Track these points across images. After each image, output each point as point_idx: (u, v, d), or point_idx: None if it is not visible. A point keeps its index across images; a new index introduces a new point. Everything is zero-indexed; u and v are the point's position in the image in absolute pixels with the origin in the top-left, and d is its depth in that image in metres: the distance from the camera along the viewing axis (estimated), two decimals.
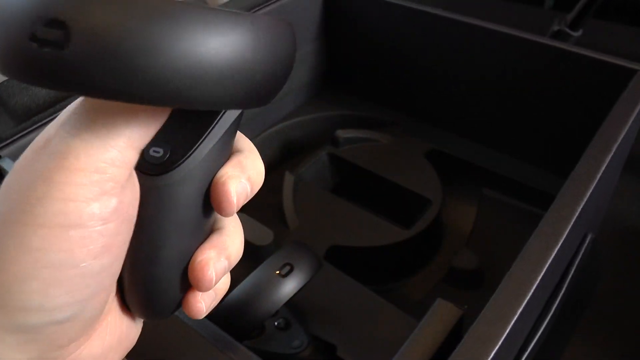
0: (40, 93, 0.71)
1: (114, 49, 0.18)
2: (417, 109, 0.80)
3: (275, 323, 0.52)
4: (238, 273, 0.58)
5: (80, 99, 0.22)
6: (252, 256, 0.59)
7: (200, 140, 0.23)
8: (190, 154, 0.23)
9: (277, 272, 0.48)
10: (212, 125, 0.23)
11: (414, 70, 0.77)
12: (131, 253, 0.24)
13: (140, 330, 0.28)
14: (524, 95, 0.67)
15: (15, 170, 0.22)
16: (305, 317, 0.55)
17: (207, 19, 0.19)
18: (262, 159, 0.27)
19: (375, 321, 0.54)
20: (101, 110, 0.21)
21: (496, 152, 0.73)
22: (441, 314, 0.43)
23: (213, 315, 0.45)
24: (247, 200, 0.25)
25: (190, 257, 0.25)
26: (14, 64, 0.18)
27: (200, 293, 0.26)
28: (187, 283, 0.26)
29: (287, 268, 0.48)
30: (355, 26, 0.79)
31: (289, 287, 0.47)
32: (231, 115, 0.24)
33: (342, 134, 0.74)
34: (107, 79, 0.18)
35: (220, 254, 0.25)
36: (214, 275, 0.25)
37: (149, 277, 0.25)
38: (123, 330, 0.26)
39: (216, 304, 0.28)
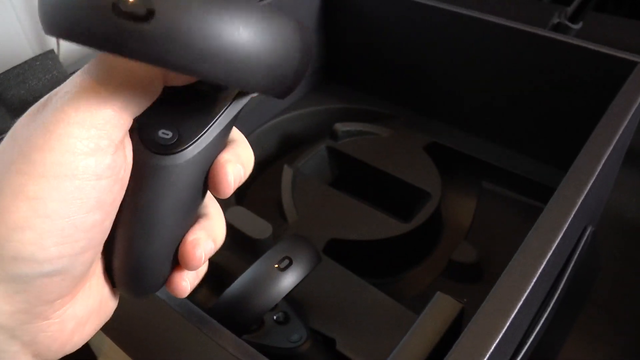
0: (37, 86, 0.71)
1: (188, 30, 0.20)
2: (417, 102, 0.80)
3: (274, 317, 0.52)
4: (237, 266, 0.59)
5: (82, 68, 0.24)
6: (251, 250, 0.59)
7: (208, 126, 0.25)
8: (198, 139, 0.25)
9: (276, 265, 0.48)
10: (220, 114, 0.25)
11: (413, 63, 0.77)
12: (126, 230, 0.25)
13: (117, 303, 0.29)
14: (524, 88, 0.67)
15: (19, 123, 0.23)
16: (304, 311, 0.55)
17: (262, 17, 0.22)
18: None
19: (375, 315, 0.54)
20: (103, 76, 0.23)
21: (496, 145, 0.73)
22: (441, 307, 0.43)
23: (212, 310, 0.46)
24: (240, 185, 0.28)
25: (181, 238, 0.27)
26: (97, 32, 0.20)
27: (185, 272, 0.28)
28: (174, 263, 0.27)
29: (286, 261, 0.48)
30: (355, 19, 0.79)
31: (288, 280, 0.47)
32: (237, 105, 0.26)
33: (341, 127, 0.74)
34: (179, 54, 0.20)
35: (209, 236, 0.27)
36: (203, 255, 0.27)
37: (141, 252, 0.26)
38: (103, 296, 0.27)
39: (197, 284, 0.29)
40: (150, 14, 0.19)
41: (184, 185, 0.25)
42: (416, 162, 0.70)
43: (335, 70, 0.87)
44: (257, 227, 0.59)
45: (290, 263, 0.48)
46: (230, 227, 0.59)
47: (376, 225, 0.63)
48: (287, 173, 0.69)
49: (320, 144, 0.74)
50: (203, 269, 0.30)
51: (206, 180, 0.26)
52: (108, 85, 0.23)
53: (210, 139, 0.25)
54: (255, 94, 0.26)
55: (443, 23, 0.69)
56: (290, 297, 0.53)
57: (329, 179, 0.75)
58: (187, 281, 0.28)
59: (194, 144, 0.25)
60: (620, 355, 0.58)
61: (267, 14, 0.22)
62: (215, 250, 0.28)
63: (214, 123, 0.25)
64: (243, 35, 0.21)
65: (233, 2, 0.21)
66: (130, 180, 0.25)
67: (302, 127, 0.80)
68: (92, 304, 0.26)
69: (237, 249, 0.61)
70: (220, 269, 0.61)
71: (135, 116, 0.24)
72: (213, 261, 0.60)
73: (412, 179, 0.68)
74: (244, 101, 0.26)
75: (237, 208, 0.61)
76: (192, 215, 0.27)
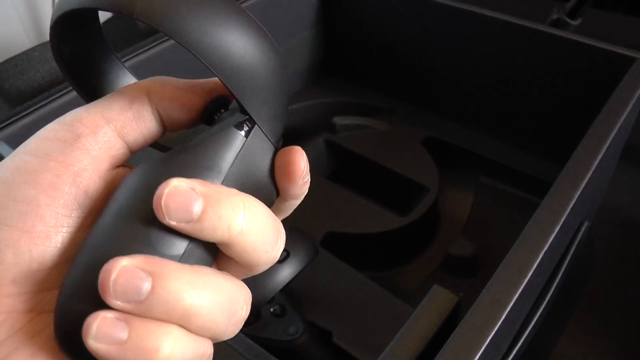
0: (35, 77, 0.71)
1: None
2: (415, 96, 0.80)
3: (271, 309, 0.52)
4: None
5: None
6: None
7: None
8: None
9: None
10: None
11: (411, 58, 0.77)
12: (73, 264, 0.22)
13: None
14: (522, 83, 0.67)
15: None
16: (301, 304, 0.55)
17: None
18: None
19: (372, 308, 0.55)
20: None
21: (493, 140, 0.73)
22: (438, 300, 0.43)
23: None
24: None
25: None
26: None
27: None
28: None
29: (284, 254, 0.48)
30: (354, 13, 0.79)
31: (285, 273, 0.47)
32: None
33: (339, 120, 0.74)
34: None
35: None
36: None
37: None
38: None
39: None
40: None
41: None
42: (414, 156, 0.71)
43: (334, 64, 0.87)
44: None
45: (288, 255, 0.48)
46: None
47: (373, 218, 0.63)
48: None
49: (319, 137, 0.74)
50: None
51: None
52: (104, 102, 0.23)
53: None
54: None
55: (442, 18, 0.69)
56: (288, 290, 0.53)
57: (327, 172, 0.75)
58: None
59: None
60: (615, 349, 0.58)
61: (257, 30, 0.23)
62: None
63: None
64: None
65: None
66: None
67: (301, 121, 0.80)
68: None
69: None
70: None
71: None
72: None
73: (409, 173, 0.68)
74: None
75: None
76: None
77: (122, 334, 0.18)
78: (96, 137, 0.22)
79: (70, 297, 0.19)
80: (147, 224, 0.20)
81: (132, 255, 0.19)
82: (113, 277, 0.18)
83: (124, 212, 0.20)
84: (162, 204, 0.19)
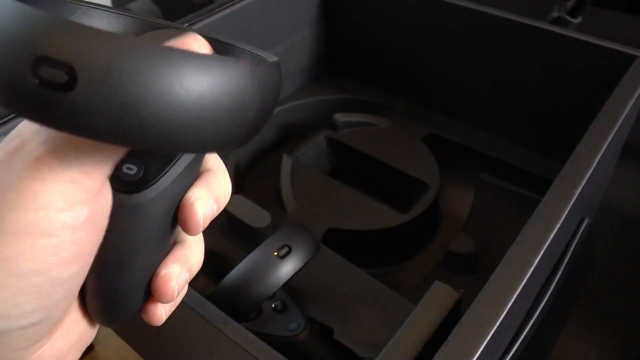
0: None
1: (120, 99, 0.17)
2: (416, 93, 0.80)
3: (273, 305, 0.52)
4: (235, 255, 0.59)
5: None
6: (249, 238, 0.59)
7: (174, 161, 0.23)
8: (163, 175, 0.23)
9: (275, 253, 0.48)
10: None
11: (412, 55, 0.77)
12: (97, 264, 0.24)
13: (96, 331, 0.28)
14: (523, 81, 0.67)
15: None
16: (303, 300, 0.55)
17: (211, 73, 0.19)
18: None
19: (372, 304, 0.55)
20: None
21: (494, 137, 0.73)
22: (439, 296, 0.43)
23: (210, 296, 0.46)
24: (211, 219, 0.26)
25: (154, 271, 0.26)
26: (12, 99, 0.18)
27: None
28: (148, 293, 0.26)
29: (286, 249, 0.48)
30: (355, 10, 0.79)
31: (287, 268, 0.47)
32: None
33: (340, 117, 0.74)
34: (111, 126, 0.18)
35: (183, 267, 0.26)
36: (176, 289, 0.25)
37: (113, 288, 0.25)
38: (83, 329, 0.26)
39: (173, 310, 0.28)
40: (71, 82, 0.17)
41: (152, 222, 0.24)
42: (415, 154, 0.71)
43: (335, 61, 0.87)
44: (256, 215, 0.59)
45: (290, 251, 0.48)
46: (229, 216, 0.60)
47: (374, 215, 0.63)
48: (287, 163, 0.69)
49: (320, 134, 0.74)
50: (182, 294, 0.28)
51: (177, 213, 0.25)
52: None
53: (177, 173, 0.23)
54: None
55: (443, 15, 0.69)
56: (289, 286, 0.53)
57: (327, 169, 0.75)
58: (162, 311, 0.27)
59: (160, 180, 0.23)
60: (616, 346, 0.59)
61: (211, 65, 0.19)
62: (190, 279, 0.27)
63: (179, 157, 0.24)
64: (183, 98, 0.18)
65: (164, 56, 0.18)
66: None
67: (302, 118, 0.81)
68: (71, 339, 0.25)
69: (236, 237, 0.61)
70: (218, 258, 0.61)
71: (115, 163, 0.22)
72: (211, 249, 0.61)
73: (410, 170, 0.68)
74: None
75: (236, 196, 0.61)
76: (164, 248, 0.26)
77: None
78: None
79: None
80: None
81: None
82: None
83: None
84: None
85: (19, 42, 0.17)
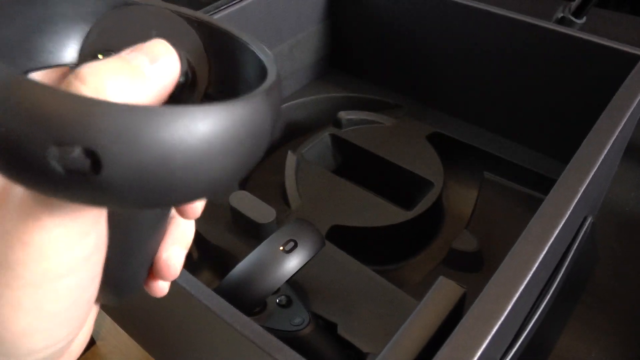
0: None
1: (149, 174, 0.17)
2: (420, 92, 0.80)
3: (277, 300, 0.53)
4: (240, 250, 0.59)
5: None
6: (254, 234, 0.60)
7: None
8: None
9: (281, 248, 0.48)
10: None
11: (417, 54, 0.77)
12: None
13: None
14: (528, 80, 0.68)
15: None
16: (307, 295, 0.55)
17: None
18: None
19: (376, 301, 0.55)
20: None
21: (498, 136, 0.74)
22: (444, 291, 0.43)
23: (216, 290, 0.46)
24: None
25: (154, 253, 0.27)
26: (34, 184, 0.17)
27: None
28: (150, 270, 0.27)
29: (291, 244, 0.48)
30: (361, 8, 0.79)
31: (293, 263, 0.48)
32: None
33: (344, 115, 0.75)
34: (141, 196, 0.18)
35: (182, 245, 0.27)
36: (178, 267, 0.27)
37: (118, 275, 0.25)
38: (91, 315, 0.27)
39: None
40: (97, 166, 0.16)
41: (150, 213, 0.25)
42: (419, 152, 0.71)
43: (340, 59, 0.87)
44: (261, 211, 0.60)
45: (295, 246, 0.48)
46: (233, 211, 0.60)
47: (378, 212, 0.64)
48: (291, 159, 0.70)
49: (324, 131, 0.75)
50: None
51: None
52: None
53: None
54: None
55: (448, 14, 0.70)
56: (293, 282, 0.54)
57: (332, 166, 0.76)
58: (164, 284, 0.28)
59: None
60: (617, 345, 0.59)
61: (230, 118, 0.18)
62: (186, 252, 0.28)
63: None
64: (203, 151, 0.18)
65: (178, 119, 0.17)
66: None
67: (307, 115, 0.81)
68: (86, 331, 0.26)
69: (241, 233, 0.62)
70: (223, 253, 0.61)
71: None
72: (215, 245, 0.61)
73: (414, 167, 0.68)
74: None
75: (241, 192, 0.62)
76: (162, 231, 0.27)
77: None
78: None
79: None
80: None
81: None
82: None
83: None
84: None
85: (28, 125, 0.16)
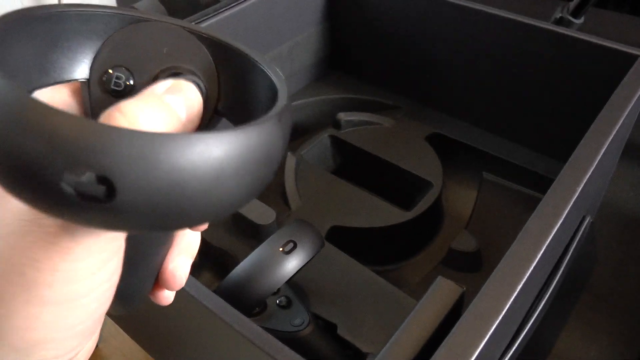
0: None
1: (163, 198, 0.17)
2: (419, 93, 0.80)
3: (277, 301, 0.53)
4: (240, 251, 0.59)
5: None
6: (254, 235, 0.60)
7: None
8: None
9: (281, 249, 0.48)
10: None
11: (416, 55, 0.77)
12: None
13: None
14: (526, 81, 0.68)
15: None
16: (307, 296, 0.56)
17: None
18: None
19: (376, 301, 0.55)
20: None
21: (497, 137, 0.74)
22: (442, 291, 0.43)
23: (216, 291, 0.46)
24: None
25: (160, 265, 0.27)
26: (49, 209, 0.17)
27: None
28: (156, 279, 0.27)
29: (291, 245, 0.49)
30: (360, 10, 0.79)
31: (292, 263, 0.48)
32: None
33: (344, 116, 0.75)
34: (152, 223, 0.18)
35: (187, 256, 0.28)
36: (184, 277, 0.28)
37: (125, 287, 0.25)
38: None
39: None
40: (111, 193, 0.16)
41: (156, 238, 0.25)
42: (418, 152, 0.71)
43: (339, 60, 0.88)
44: (261, 212, 0.60)
45: (295, 247, 0.48)
46: (234, 213, 0.60)
47: (378, 213, 0.64)
48: (291, 160, 0.70)
49: (324, 132, 0.75)
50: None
51: None
52: None
53: None
54: None
55: (447, 15, 0.70)
56: (293, 282, 0.54)
57: (331, 167, 0.76)
58: (170, 293, 0.29)
59: None
60: (616, 344, 0.59)
61: (243, 144, 0.18)
62: (193, 260, 0.29)
63: None
64: (212, 175, 0.17)
65: (186, 146, 0.17)
66: None
67: (306, 116, 0.81)
68: (93, 339, 0.26)
69: (240, 234, 0.62)
70: (223, 254, 0.61)
71: None
72: (215, 246, 0.61)
73: (413, 168, 0.69)
74: None
75: None
76: (169, 242, 0.27)
77: None
78: None
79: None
80: None
81: None
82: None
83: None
84: None
85: (42, 150, 0.16)
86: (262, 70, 0.24)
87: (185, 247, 0.28)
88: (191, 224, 0.19)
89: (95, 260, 0.21)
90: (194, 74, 0.24)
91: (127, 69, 0.24)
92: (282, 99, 0.21)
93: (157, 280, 0.28)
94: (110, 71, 0.24)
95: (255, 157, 0.19)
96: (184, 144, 0.17)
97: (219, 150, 0.17)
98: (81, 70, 0.24)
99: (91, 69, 0.24)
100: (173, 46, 0.24)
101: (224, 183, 0.18)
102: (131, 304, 0.27)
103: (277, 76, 0.23)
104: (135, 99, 0.20)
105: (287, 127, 0.21)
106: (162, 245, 0.26)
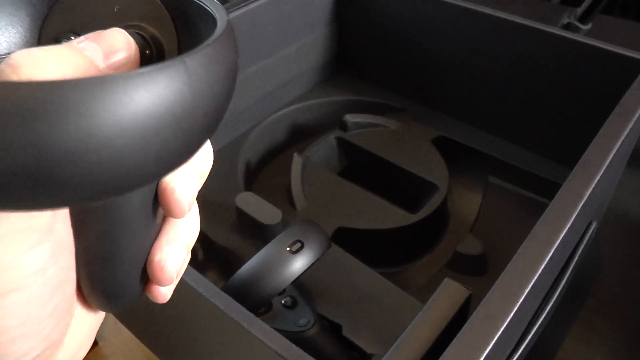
0: None
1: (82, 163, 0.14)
2: (426, 96, 0.80)
3: (283, 301, 0.53)
4: (246, 251, 0.60)
5: None
6: (260, 235, 0.60)
7: None
8: None
9: (288, 248, 0.48)
10: None
11: (423, 58, 0.77)
12: (86, 261, 0.23)
13: (104, 315, 0.27)
14: (533, 85, 0.68)
15: None
16: (312, 297, 0.56)
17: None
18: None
19: (381, 303, 0.55)
20: None
21: (503, 141, 0.74)
22: (449, 293, 0.44)
23: (222, 289, 0.46)
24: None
25: (147, 253, 0.24)
26: None
27: None
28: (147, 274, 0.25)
29: (298, 245, 0.49)
30: (367, 12, 0.80)
31: (299, 263, 0.48)
32: None
33: (350, 118, 0.75)
34: (83, 192, 0.15)
35: (178, 245, 0.24)
36: (174, 272, 0.24)
37: (108, 281, 0.24)
38: (90, 319, 0.25)
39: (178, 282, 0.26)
40: None
41: (131, 212, 0.22)
42: (424, 155, 0.71)
43: (346, 62, 0.88)
44: (267, 212, 0.60)
45: (302, 247, 0.49)
46: (239, 212, 0.60)
47: (383, 215, 0.64)
48: (297, 161, 0.70)
49: (330, 134, 0.75)
50: (184, 267, 0.26)
51: (157, 196, 0.22)
52: None
53: None
54: None
55: (454, 18, 0.70)
56: (298, 283, 0.54)
57: (337, 168, 0.76)
58: (164, 290, 0.25)
59: None
60: (621, 349, 0.59)
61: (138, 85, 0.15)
62: (188, 255, 0.25)
63: None
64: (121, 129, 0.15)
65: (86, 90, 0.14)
66: (71, 223, 0.21)
67: (313, 117, 0.81)
68: (81, 336, 0.24)
69: (246, 234, 0.62)
70: (228, 253, 0.61)
71: None
72: (221, 245, 0.62)
73: (419, 171, 0.69)
74: None
75: (247, 193, 0.62)
76: (151, 229, 0.24)
77: None
78: None
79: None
80: None
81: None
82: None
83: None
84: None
85: None
86: (204, 8, 0.21)
87: (175, 237, 0.24)
88: (123, 188, 0.16)
89: (10, 248, 0.18)
90: (144, 29, 0.22)
91: (77, 35, 0.22)
92: (219, 28, 0.19)
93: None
94: (61, 39, 0.22)
95: (168, 103, 0.15)
96: (87, 92, 0.14)
97: (139, 93, 0.15)
98: (14, 42, 0.22)
99: (40, 37, 0.23)
100: (125, 3, 0.22)
101: (151, 130, 0.15)
102: (119, 299, 0.25)
103: (216, 8, 0.21)
104: (36, 48, 0.16)
105: (228, 54, 0.18)
106: (142, 232, 0.23)
